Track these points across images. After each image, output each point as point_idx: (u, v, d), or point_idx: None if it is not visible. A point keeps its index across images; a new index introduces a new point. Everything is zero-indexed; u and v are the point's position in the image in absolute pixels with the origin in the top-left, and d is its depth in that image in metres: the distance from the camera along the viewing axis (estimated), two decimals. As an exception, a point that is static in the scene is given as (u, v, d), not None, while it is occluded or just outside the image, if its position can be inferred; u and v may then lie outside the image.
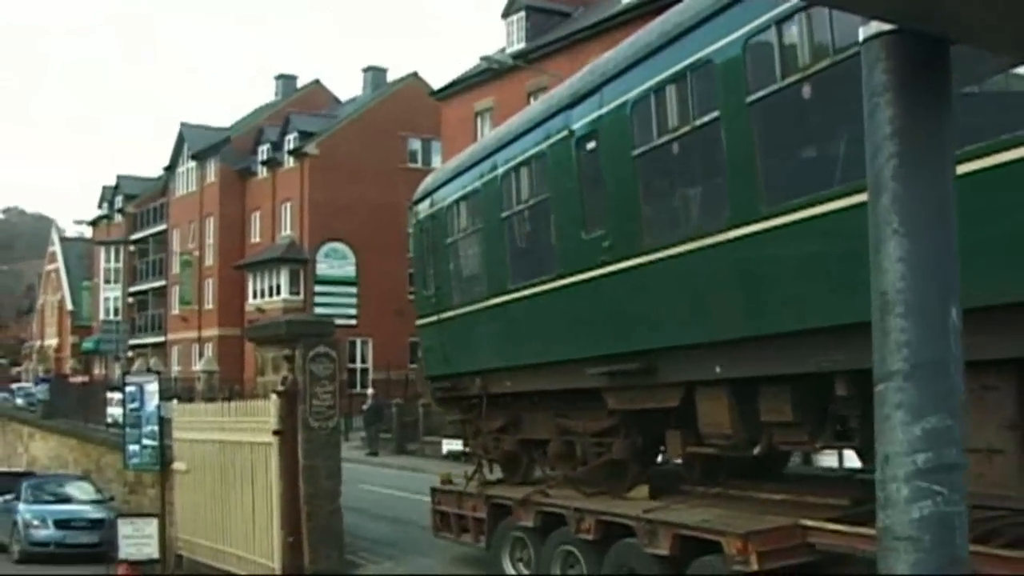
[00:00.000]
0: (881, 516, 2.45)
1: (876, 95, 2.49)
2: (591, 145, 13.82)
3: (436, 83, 57.35)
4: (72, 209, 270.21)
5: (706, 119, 11.38)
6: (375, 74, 76.24)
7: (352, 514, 20.35)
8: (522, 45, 46.59)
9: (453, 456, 31.49)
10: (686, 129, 11.81)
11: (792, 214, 10.04)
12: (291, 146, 68.32)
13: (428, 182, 20.29)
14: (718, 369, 11.61)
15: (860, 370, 9.33)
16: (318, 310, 58.52)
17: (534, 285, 15.44)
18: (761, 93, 10.51)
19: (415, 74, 71.38)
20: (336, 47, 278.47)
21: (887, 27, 2.49)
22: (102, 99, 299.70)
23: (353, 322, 60.69)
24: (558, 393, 15.73)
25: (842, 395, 10.08)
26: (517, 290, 15.96)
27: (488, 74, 45.38)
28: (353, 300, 63.58)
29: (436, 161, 55.11)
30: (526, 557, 16.02)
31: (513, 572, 16.30)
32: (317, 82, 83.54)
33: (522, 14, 47.87)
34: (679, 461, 14.32)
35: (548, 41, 43.86)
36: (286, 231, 68.64)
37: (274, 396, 19.25)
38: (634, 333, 13.08)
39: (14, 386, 74.01)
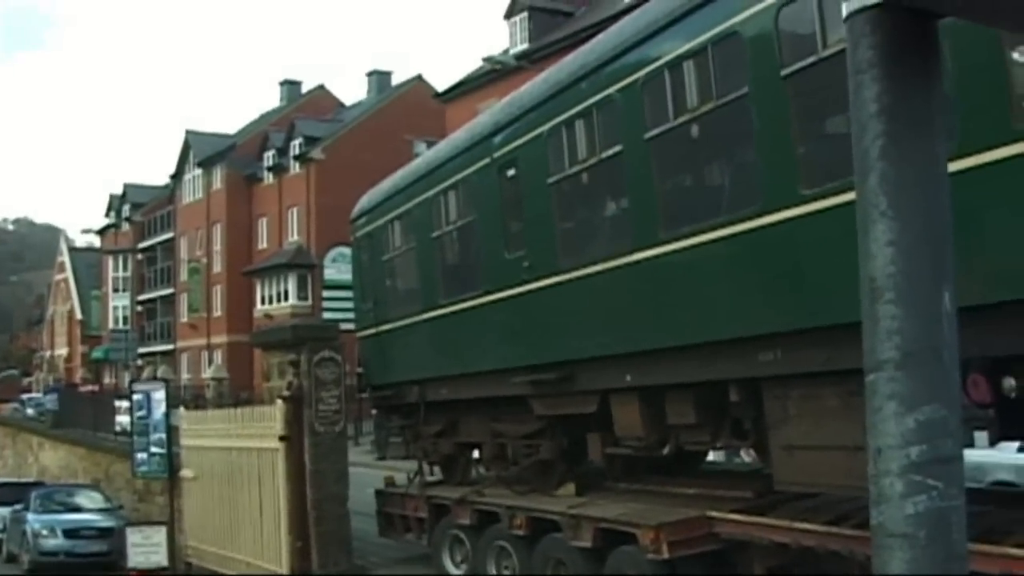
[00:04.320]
0: (874, 513, 2.33)
1: (861, 72, 2.38)
2: (511, 172, 15.12)
3: (441, 85, 57.33)
4: (80, 219, 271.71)
5: (610, 152, 12.61)
6: (379, 78, 76.40)
7: (361, 519, 20.25)
8: (525, 45, 46.62)
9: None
10: (593, 161, 13.04)
11: (684, 240, 11.22)
12: (297, 151, 68.42)
13: (364, 201, 21.36)
14: (628, 378, 12.75)
15: (749, 378, 10.89)
16: (327, 315, 58.24)
17: (463, 300, 16.68)
18: (658, 130, 11.64)
19: (419, 77, 71.50)
20: (340, 52, 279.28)
21: (871, 1, 2.38)
22: (107, 108, 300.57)
23: (362, 326, 60.43)
24: (490, 399, 16.81)
25: (735, 400, 11.23)
26: (449, 304, 17.23)
27: (492, 75, 45.33)
28: (362, 304, 63.29)
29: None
30: (464, 554, 16.99)
31: (453, 568, 17.21)
32: (322, 87, 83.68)
33: (525, 14, 47.93)
34: (600, 461, 15.41)
35: (551, 41, 43.81)
36: (293, 236, 68.69)
37: (280, 401, 19.17)
38: (553, 345, 14.23)
39: (24, 396, 74.12)
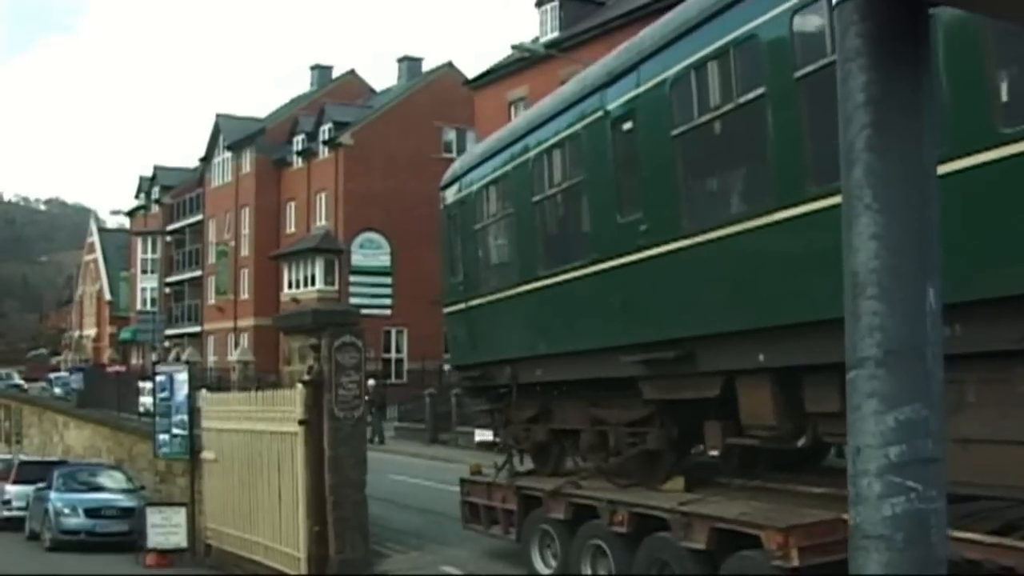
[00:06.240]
0: (852, 513, 2.28)
1: (849, 60, 2.30)
2: (627, 125, 13.41)
3: (471, 72, 57.22)
4: (111, 200, 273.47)
5: (750, 96, 11.05)
6: (410, 64, 76.21)
7: (380, 504, 20.27)
8: (556, 34, 46.38)
9: (485, 446, 31.29)
10: (729, 107, 11.45)
11: (839, 194, 9.74)
12: (326, 136, 68.37)
13: (456, 167, 19.94)
14: (761, 357, 11.13)
15: None
16: (353, 300, 58.34)
17: (567, 271, 15.03)
18: (810, 68, 10.06)
19: (450, 64, 71.27)
20: (371, 38, 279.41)
21: (862, -13, 2.30)
22: (139, 91, 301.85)
23: (388, 312, 60.71)
24: (591, 382, 15.29)
25: None
26: (549, 276, 15.57)
27: (522, 63, 45.25)
28: (388, 290, 63.50)
29: (470, 151, 54.96)
30: (555, 550, 15.67)
31: (542, 566, 15.96)
32: (352, 72, 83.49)
33: (556, 3, 47.64)
34: (715, 453, 13.66)
35: (582, 30, 43.59)
36: (321, 221, 68.71)
37: (300, 386, 19.18)
38: (671, 320, 12.63)
39: (52, 376, 74.51)
